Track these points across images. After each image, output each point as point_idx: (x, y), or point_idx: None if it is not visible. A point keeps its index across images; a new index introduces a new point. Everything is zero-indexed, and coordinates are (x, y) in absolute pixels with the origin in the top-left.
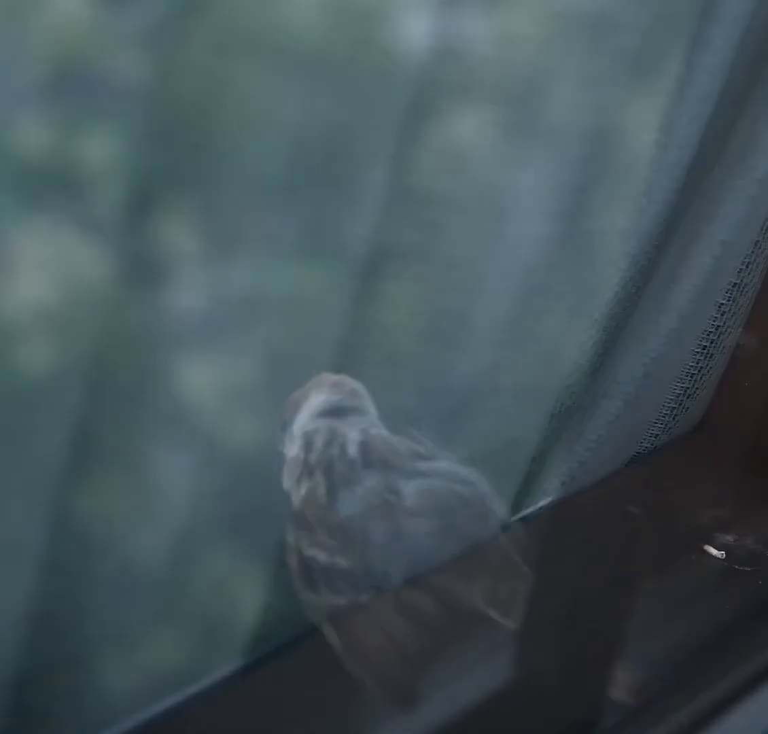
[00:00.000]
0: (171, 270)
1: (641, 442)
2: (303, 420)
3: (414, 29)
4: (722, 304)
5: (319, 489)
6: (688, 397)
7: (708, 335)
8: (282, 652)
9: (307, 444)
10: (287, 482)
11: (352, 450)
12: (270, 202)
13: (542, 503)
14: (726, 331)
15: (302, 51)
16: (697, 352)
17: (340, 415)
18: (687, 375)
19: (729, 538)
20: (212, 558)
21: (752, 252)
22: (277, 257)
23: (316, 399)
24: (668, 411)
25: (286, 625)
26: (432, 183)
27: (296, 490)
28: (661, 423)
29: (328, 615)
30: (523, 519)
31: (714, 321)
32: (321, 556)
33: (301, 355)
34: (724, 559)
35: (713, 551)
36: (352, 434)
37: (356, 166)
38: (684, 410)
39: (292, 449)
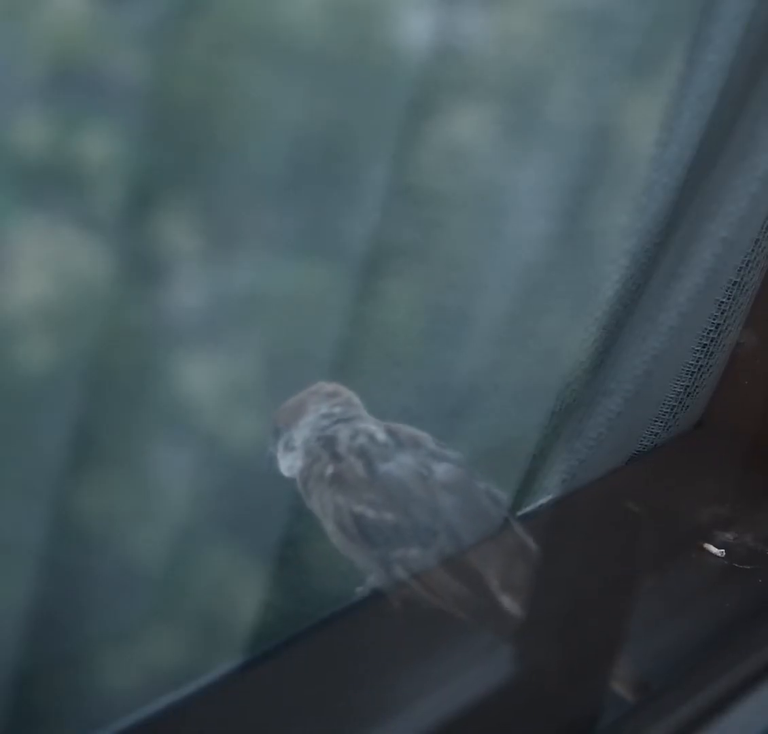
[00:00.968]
0: (171, 268)
1: (641, 440)
2: (306, 432)
3: (414, 27)
4: (722, 302)
5: (356, 466)
6: (688, 395)
7: (708, 333)
8: (281, 650)
9: (328, 442)
10: (303, 483)
11: (381, 436)
12: (270, 200)
13: (543, 501)
14: (726, 329)
15: (303, 49)
16: (698, 350)
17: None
18: (687, 373)
19: (729, 536)
20: (212, 557)
21: (753, 250)
22: (278, 255)
23: (315, 411)
24: (668, 409)
25: (286, 623)
26: (432, 181)
27: (310, 467)
28: (662, 421)
29: (385, 568)
30: (524, 516)
31: (714, 319)
32: (369, 512)
33: (302, 354)
34: (724, 557)
35: (713, 549)
36: (372, 426)
37: (357, 165)
38: (684, 408)
39: (293, 457)
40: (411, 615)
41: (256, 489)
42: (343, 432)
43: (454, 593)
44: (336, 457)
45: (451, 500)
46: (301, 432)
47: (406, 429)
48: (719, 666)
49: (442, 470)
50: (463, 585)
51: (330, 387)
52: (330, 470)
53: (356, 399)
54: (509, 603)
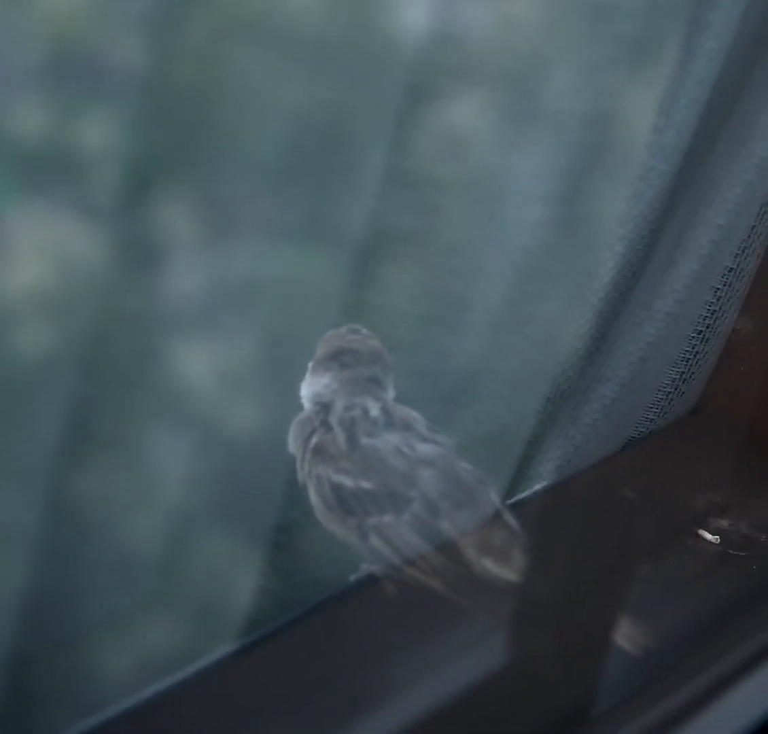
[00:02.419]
0: (169, 254)
1: (637, 426)
2: (325, 382)
3: (413, 13)
4: (718, 288)
5: (338, 438)
6: (683, 382)
7: (704, 319)
8: (277, 635)
9: (325, 407)
10: (294, 437)
11: (374, 413)
12: (268, 186)
13: (537, 487)
14: (722, 315)
15: (301, 35)
16: (693, 337)
17: (363, 391)
18: (683, 360)
19: (724, 523)
20: (208, 542)
21: (749, 236)
22: (276, 241)
23: (354, 367)
24: (664, 396)
25: (281, 608)
26: (431, 167)
27: (306, 441)
28: (657, 408)
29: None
30: (518, 502)
31: (710, 305)
32: (346, 481)
33: (299, 339)
34: (718, 544)
35: (708, 536)
36: (371, 402)
37: (355, 150)
38: (680, 394)
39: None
40: (406, 600)
41: (253, 474)
42: (339, 402)
43: (431, 562)
44: (325, 426)
45: (430, 472)
46: (323, 382)
47: (402, 411)
48: (714, 652)
49: (424, 448)
50: (438, 554)
51: (376, 346)
52: (314, 441)
53: (391, 364)
54: (494, 566)
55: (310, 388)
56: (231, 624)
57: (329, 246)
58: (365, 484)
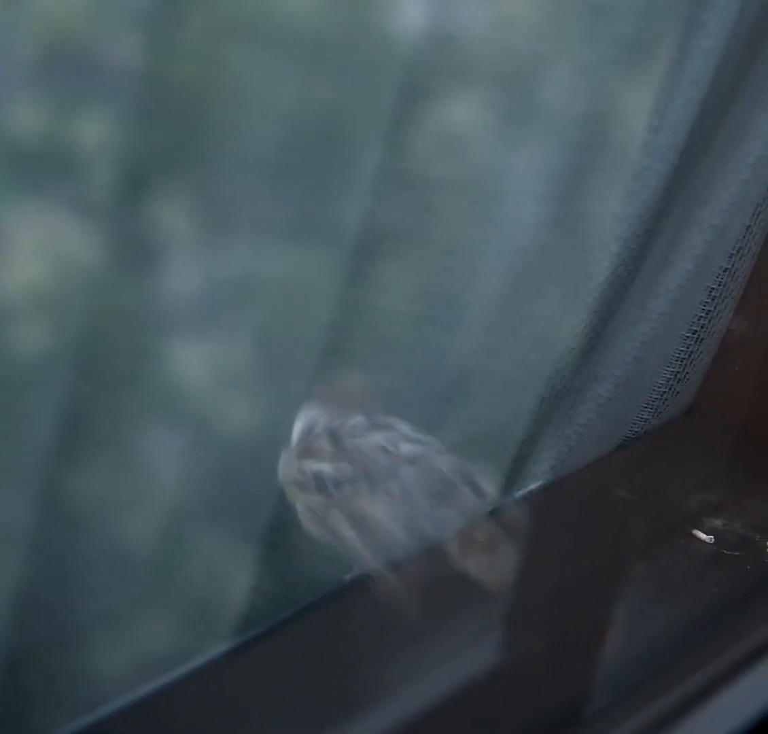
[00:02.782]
0: (164, 253)
1: (631, 426)
2: (312, 414)
3: (410, 12)
4: (713, 288)
5: (322, 441)
6: (678, 382)
7: (699, 320)
8: (270, 635)
9: (311, 427)
10: (283, 465)
11: (357, 419)
12: (264, 184)
13: (532, 487)
14: (717, 315)
15: (298, 34)
16: (688, 337)
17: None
18: (677, 360)
19: (718, 523)
20: (203, 541)
21: (743, 237)
22: (272, 240)
23: (344, 418)
24: (658, 396)
25: (275, 608)
26: (427, 166)
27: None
28: (652, 408)
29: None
30: (513, 502)
31: (705, 306)
32: (327, 468)
33: (295, 339)
34: (713, 543)
35: (702, 535)
36: (357, 417)
37: (351, 149)
38: (674, 394)
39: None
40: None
41: (249, 474)
42: (324, 419)
43: (415, 562)
44: (312, 435)
45: (412, 470)
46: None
47: (386, 418)
48: (708, 652)
49: (408, 447)
50: (422, 553)
51: (363, 392)
52: (300, 447)
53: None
54: (474, 569)
55: (299, 425)
56: (226, 623)
57: (325, 245)
58: (345, 468)
